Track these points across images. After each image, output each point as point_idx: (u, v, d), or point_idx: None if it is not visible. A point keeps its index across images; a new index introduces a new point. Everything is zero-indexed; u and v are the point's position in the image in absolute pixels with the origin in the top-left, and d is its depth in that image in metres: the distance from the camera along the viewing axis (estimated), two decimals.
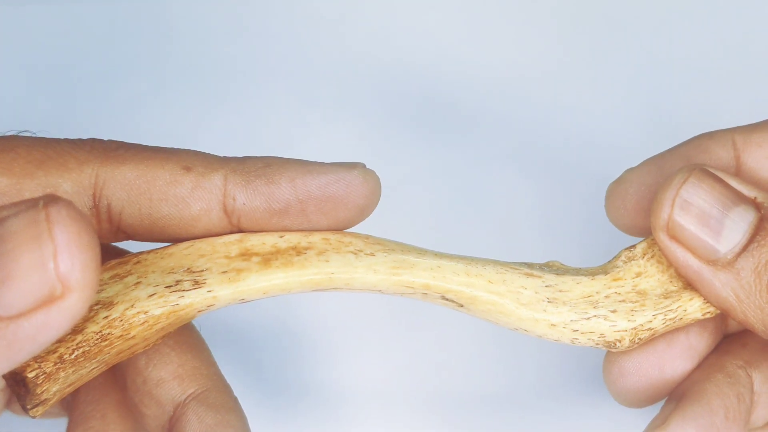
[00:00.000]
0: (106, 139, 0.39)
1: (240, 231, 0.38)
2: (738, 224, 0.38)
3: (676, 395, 0.40)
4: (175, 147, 0.38)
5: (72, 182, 0.37)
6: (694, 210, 0.38)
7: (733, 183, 0.39)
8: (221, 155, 0.38)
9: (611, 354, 0.40)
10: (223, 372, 0.40)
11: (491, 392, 0.47)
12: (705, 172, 0.39)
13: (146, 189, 0.37)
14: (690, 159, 0.41)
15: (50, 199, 0.29)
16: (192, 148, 0.39)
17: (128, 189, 0.37)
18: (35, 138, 0.38)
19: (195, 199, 0.37)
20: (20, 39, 0.56)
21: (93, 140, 0.38)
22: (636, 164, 0.42)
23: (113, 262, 0.38)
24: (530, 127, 0.54)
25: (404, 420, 0.46)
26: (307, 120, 0.54)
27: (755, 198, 0.39)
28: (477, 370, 0.47)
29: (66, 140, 0.38)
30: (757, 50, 0.56)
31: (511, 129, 0.54)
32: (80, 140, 0.38)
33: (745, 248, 0.38)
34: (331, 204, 0.37)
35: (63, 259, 0.29)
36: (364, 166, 0.38)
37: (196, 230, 0.38)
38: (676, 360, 0.40)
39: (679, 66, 0.56)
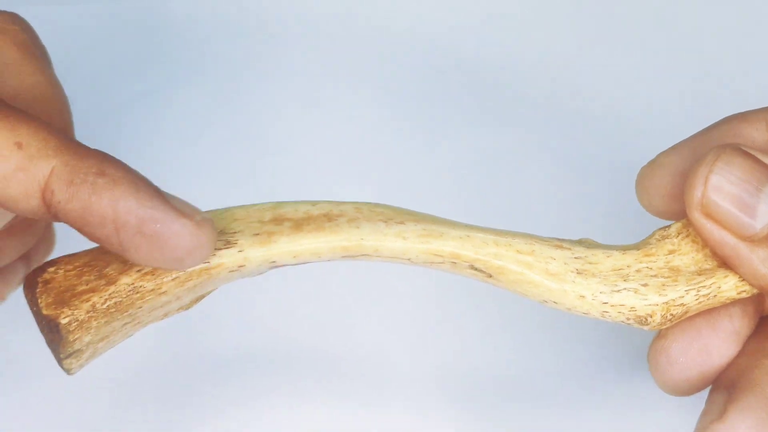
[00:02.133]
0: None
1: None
2: None
3: (724, 384, 0.39)
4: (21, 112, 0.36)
5: None
6: (728, 187, 0.38)
7: (767, 160, 0.38)
8: (69, 137, 0.36)
9: (656, 343, 0.40)
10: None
11: (508, 377, 0.46)
12: (737, 149, 0.38)
13: None
14: (723, 141, 0.41)
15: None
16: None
17: None
18: None
19: (15, 180, 0.35)
20: None
21: None
22: (665, 145, 0.41)
23: None
24: (557, 106, 0.54)
25: (420, 402, 0.46)
26: (310, 113, 0.54)
27: None
28: (490, 353, 0.47)
29: None
30: None
31: (534, 113, 0.54)
32: None
33: None
34: (144, 241, 0.35)
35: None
36: (202, 218, 0.35)
37: (16, 210, 0.36)
38: (722, 345, 0.39)
39: (713, 43, 0.56)
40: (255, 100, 0.55)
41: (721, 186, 0.38)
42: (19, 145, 0.35)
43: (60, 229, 0.45)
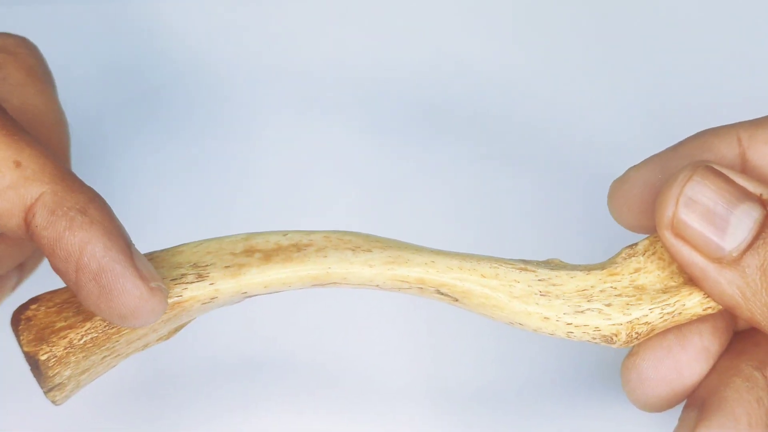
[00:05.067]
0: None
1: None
2: (743, 221, 0.38)
3: (695, 402, 0.40)
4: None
5: None
6: (698, 207, 0.38)
7: (739, 180, 0.38)
8: (69, 170, 0.37)
9: (627, 360, 0.40)
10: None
11: (498, 389, 0.47)
12: (709, 169, 0.38)
13: None
14: (694, 156, 0.41)
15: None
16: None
17: None
18: None
19: (4, 196, 0.36)
20: None
21: None
22: (638, 161, 0.42)
23: None
24: (530, 125, 0.54)
25: (411, 414, 0.46)
26: (304, 119, 0.55)
27: (761, 195, 0.38)
28: (478, 366, 0.47)
29: None
30: (759, 44, 0.56)
31: (511, 127, 0.54)
32: None
33: (750, 245, 0.38)
34: (96, 288, 0.36)
35: None
36: (156, 286, 0.37)
37: None
38: (692, 362, 0.40)
39: (680, 59, 0.56)
40: (253, 101, 0.55)
41: (692, 206, 0.38)
42: (17, 164, 0.37)
43: None
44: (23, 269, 0.45)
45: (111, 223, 0.37)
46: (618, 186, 0.41)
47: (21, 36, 0.45)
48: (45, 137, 0.43)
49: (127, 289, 0.36)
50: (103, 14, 0.57)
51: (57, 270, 0.37)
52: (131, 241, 0.37)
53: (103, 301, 0.36)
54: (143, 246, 0.40)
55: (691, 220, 0.38)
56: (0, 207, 0.37)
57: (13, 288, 0.45)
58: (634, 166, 0.41)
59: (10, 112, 0.41)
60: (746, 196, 0.38)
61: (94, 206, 0.37)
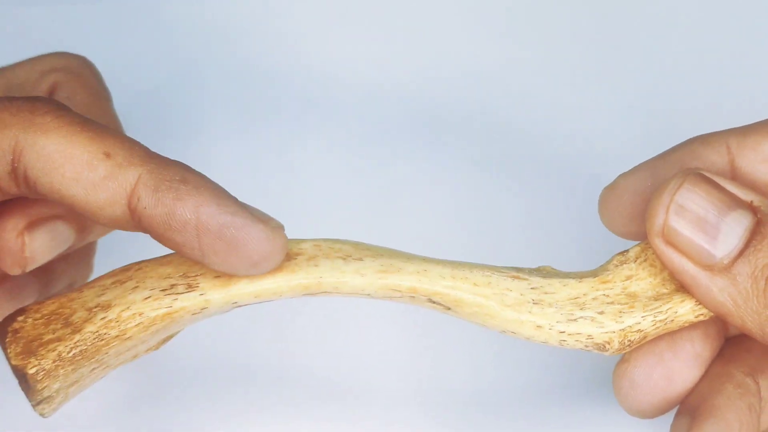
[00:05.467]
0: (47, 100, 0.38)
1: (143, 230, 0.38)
2: (734, 229, 0.38)
3: (687, 409, 0.40)
4: (104, 128, 0.38)
5: None
6: (689, 215, 0.38)
7: (729, 187, 0.38)
8: (151, 149, 0.38)
9: (619, 367, 0.40)
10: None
11: (489, 393, 0.47)
12: (700, 176, 0.38)
13: (61, 165, 0.37)
14: (684, 164, 0.41)
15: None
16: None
17: (45, 161, 0.37)
18: None
19: (104, 187, 0.37)
20: (20, 39, 0.56)
21: (24, 100, 0.38)
22: (629, 168, 0.41)
23: (117, 269, 0.39)
24: (523, 131, 0.54)
25: (406, 421, 0.46)
26: (303, 123, 0.55)
27: (751, 202, 0.38)
28: (474, 370, 0.48)
29: None
30: (759, 45, 0.56)
31: (504, 133, 0.54)
32: (10, 99, 0.38)
33: (741, 253, 0.38)
34: (223, 245, 0.37)
35: None
36: (276, 225, 0.37)
37: (100, 218, 0.37)
38: (684, 369, 0.40)
39: (672, 67, 0.56)
40: (252, 104, 0.55)
41: (683, 214, 0.38)
42: (107, 155, 0.37)
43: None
44: (72, 287, 0.45)
45: (212, 183, 0.37)
46: (608, 193, 0.41)
47: (82, 56, 0.46)
48: None
49: (254, 236, 0.37)
50: (103, 14, 0.57)
51: (176, 245, 0.37)
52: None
53: (233, 255, 0.37)
54: (138, 250, 0.41)
55: (682, 227, 0.38)
56: (102, 198, 0.37)
57: None
58: (624, 173, 0.41)
59: None
60: (737, 203, 0.38)
61: (191, 173, 0.37)
